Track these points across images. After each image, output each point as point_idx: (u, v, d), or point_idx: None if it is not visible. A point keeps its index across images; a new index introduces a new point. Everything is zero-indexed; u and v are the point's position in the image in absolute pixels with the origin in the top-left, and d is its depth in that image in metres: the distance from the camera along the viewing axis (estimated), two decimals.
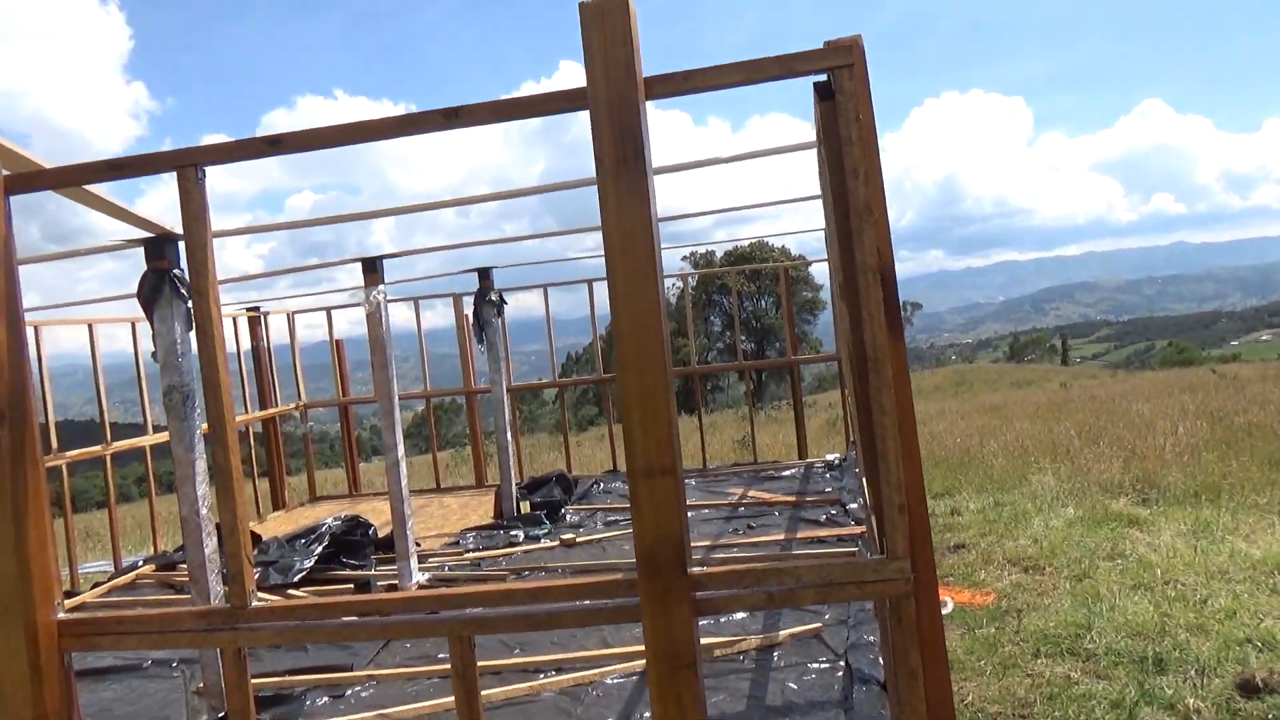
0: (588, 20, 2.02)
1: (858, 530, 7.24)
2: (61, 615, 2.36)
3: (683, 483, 2.10)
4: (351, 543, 7.78)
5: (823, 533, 7.37)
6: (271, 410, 10.93)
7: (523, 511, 8.94)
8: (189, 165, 2.28)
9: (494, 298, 8.69)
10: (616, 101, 2.02)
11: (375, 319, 6.55)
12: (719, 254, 43.70)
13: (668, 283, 11.78)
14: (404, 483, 6.71)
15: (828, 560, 2.14)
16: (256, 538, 8.50)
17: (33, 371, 2.35)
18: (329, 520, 8.09)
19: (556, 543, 7.88)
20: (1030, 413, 17.98)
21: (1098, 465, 10.23)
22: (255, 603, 2.31)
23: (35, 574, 2.31)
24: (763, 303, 45.63)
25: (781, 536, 7.41)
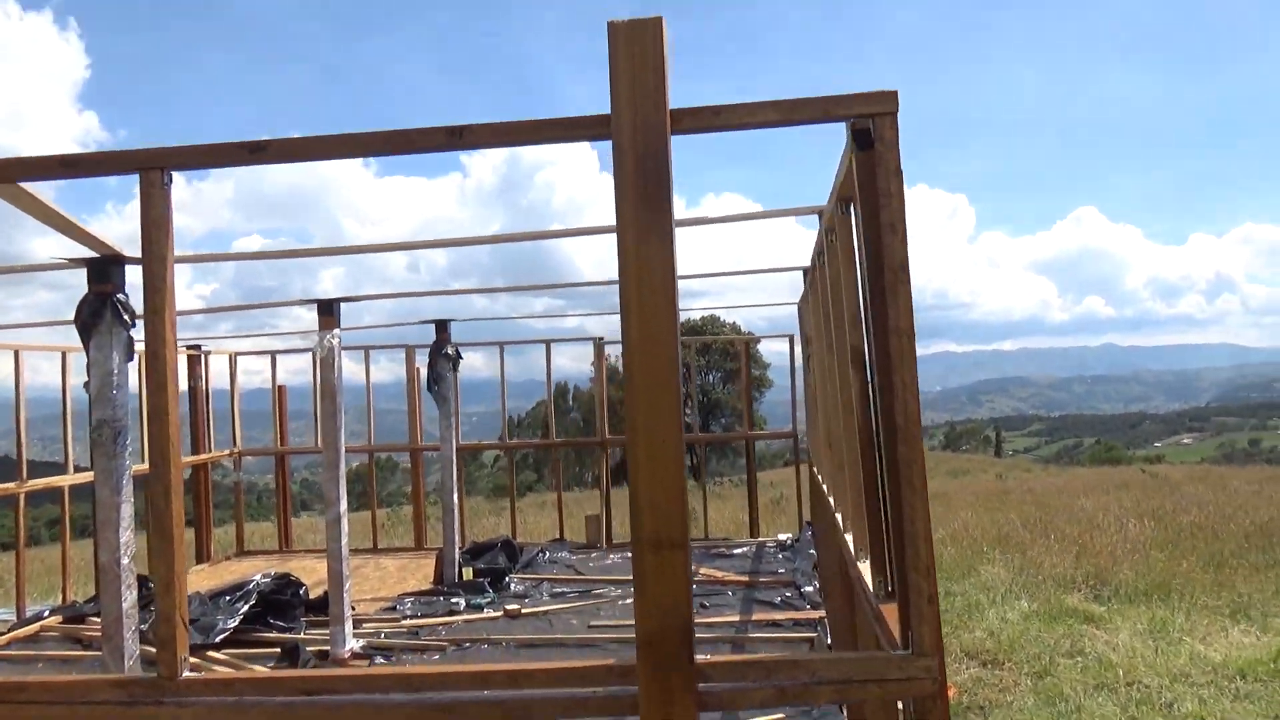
0: (617, 40, 1.85)
1: (814, 614, 6.99)
2: None
3: (690, 559, 1.86)
4: (280, 603, 7.30)
5: (779, 615, 7.10)
6: (204, 455, 10.39)
7: (465, 578, 8.52)
8: (155, 168, 2.03)
9: (450, 351, 8.41)
10: (642, 130, 1.84)
11: (328, 364, 6.23)
12: None
13: (613, 352, 11.62)
14: (345, 540, 6.32)
15: (844, 655, 1.90)
16: None
17: None
18: (257, 577, 7.60)
19: (500, 613, 7.48)
20: (971, 502, 18.01)
21: (1048, 558, 10.16)
22: (186, 672, 2.00)
23: None
24: (710, 378, 45.72)
25: (736, 618, 7.12)
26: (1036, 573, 9.59)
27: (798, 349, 10.38)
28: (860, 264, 2.48)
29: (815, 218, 4.23)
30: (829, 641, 6.22)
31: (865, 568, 2.84)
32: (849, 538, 3.33)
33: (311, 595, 7.79)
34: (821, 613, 6.93)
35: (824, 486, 5.50)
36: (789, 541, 10.07)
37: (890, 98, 1.90)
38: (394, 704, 1.96)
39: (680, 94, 1.99)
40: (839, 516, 3.93)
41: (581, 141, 1.97)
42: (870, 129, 1.94)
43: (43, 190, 3.07)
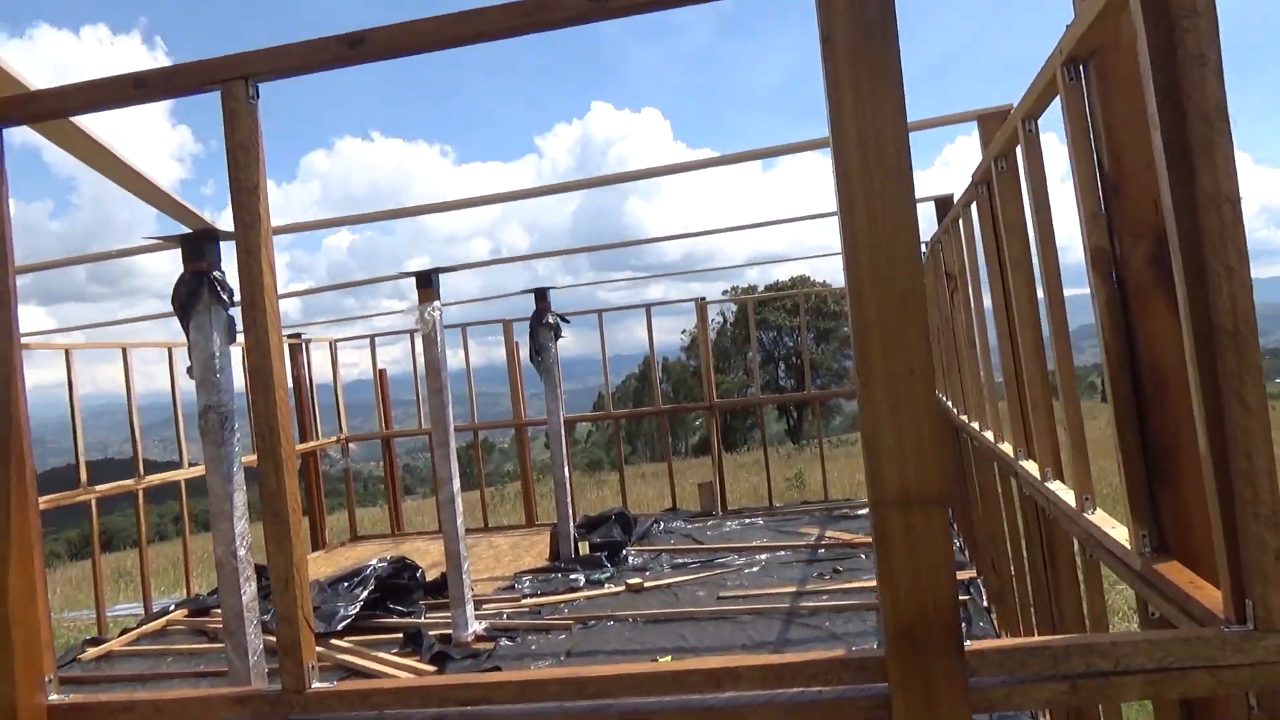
0: None
1: (962, 575, 6.46)
2: (53, 698, 1.72)
3: (949, 518, 1.41)
4: (398, 586, 7.12)
5: None
6: (312, 444, 10.35)
7: (581, 553, 8.24)
8: (238, 78, 1.66)
9: (551, 320, 8.08)
10: None
11: (430, 339, 5.95)
12: (760, 289, 43.10)
13: (711, 312, 11.09)
14: (459, 520, 6.06)
15: (1159, 635, 1.43)
16: None
17: (65, 399, 1.71)
18: (374, 562, 7.45)
19: (622, 588, 7.16)
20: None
21: None
22: (316, 684, 1.65)
23: (16, 639, 1.67)
24: (801, 338, 44.87)
25: (874, 583, 6.64)
26: None
27: None
28: (1098, 139, 1.98)
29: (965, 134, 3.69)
30: (986, 604, 5.70)
31: (1101, 518, 2.35)
32: (1058, 487, 2.83)
33: (428, 578, 7.62)
34: (972, 573, 6.39)
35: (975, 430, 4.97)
36: None
37: None
38: (571, 715, 1.58)
39: None
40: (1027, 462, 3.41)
41: None
42: None
43: (138, 164, 2.78)
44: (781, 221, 8.08)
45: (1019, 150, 2.52)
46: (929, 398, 1.38)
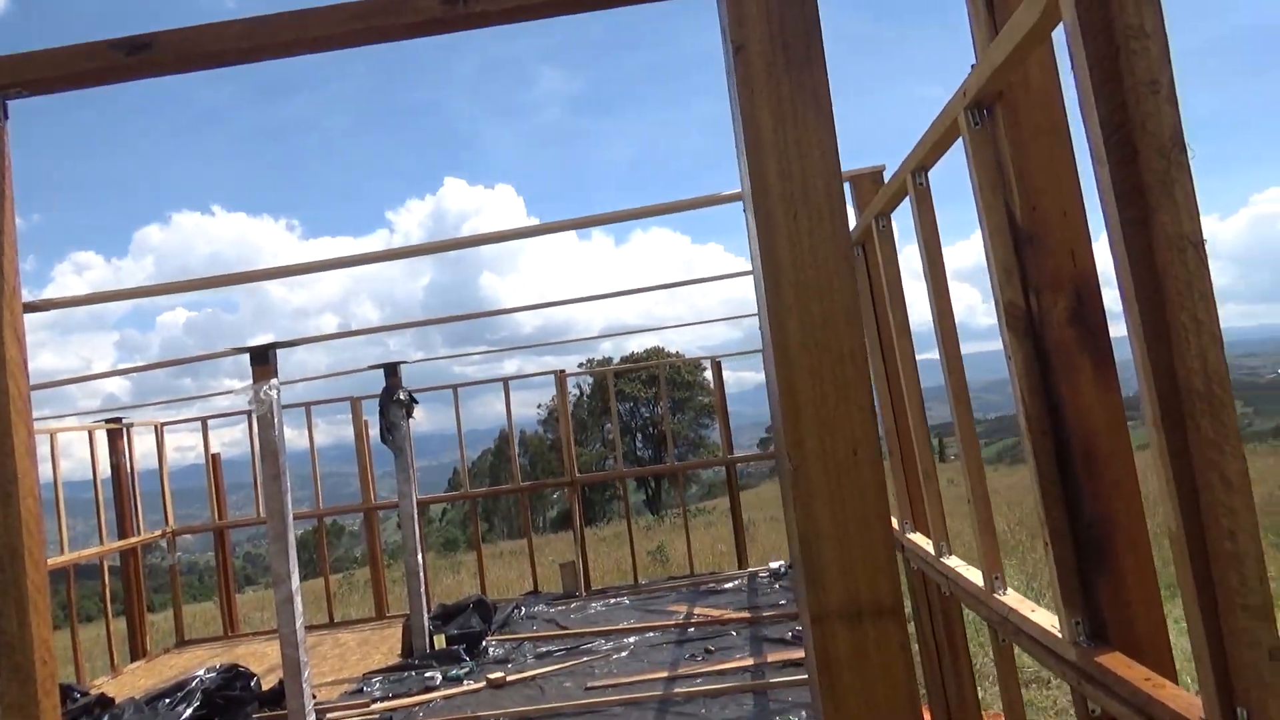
0: None
1: None
2: None
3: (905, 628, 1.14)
4: (229, 700, 6.34)
5: (795, 654, 6.38)
6: (133, 539, 9.31)
7: (437, 647, 7.62)
8: None
9: (402, 396, 7.57)
10: None
11: (266, 420, 5.38)
12: (615, 361, 43.24)
13: (568, 384, 10.79)
14: (299, 622, 5.43)
15: None
16: (108, 700, 6.91)
17: None
18: (201, 672, 6.63)
19: (483, 684, 6.61)
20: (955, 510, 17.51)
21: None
22: None
23: None
24: (659, 409, 45.13)
25: (750, 661, 6.38)
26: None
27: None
28: (1008, 187, 1.83)
29: None
30: None
31: (1016, 600, 2.15)
32: (954, 564, 2.65)
33: (264, 686, 6.84)
34: None
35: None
36: (782, 569, 9.37)
37: None
38: None
39: None
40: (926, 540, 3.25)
41: None
42: None
43: None
44: (634, 291, 7.95)
45: (909, 203, 2.38)
46: (878, 483, 1.12)
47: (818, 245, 1.14)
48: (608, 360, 43.40)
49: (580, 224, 6.04)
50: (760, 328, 1.22)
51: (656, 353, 39.21)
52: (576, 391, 42.55)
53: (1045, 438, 1.79)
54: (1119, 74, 1.29)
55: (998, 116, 1.81)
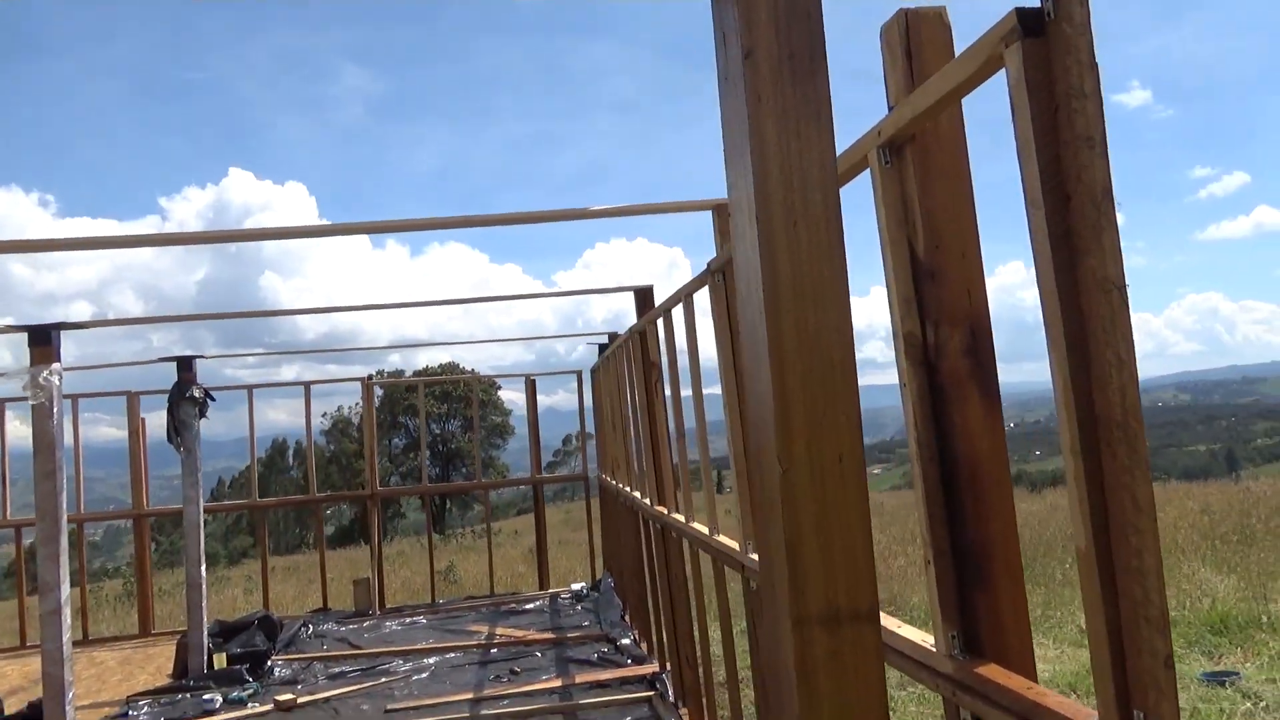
0: None
1: (644, 670, 6.36)
2: None
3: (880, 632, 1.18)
4: None
5: (605, 675, 6.40)
6: None
7: (216, 666, 7.04)
8: None
9: (197, 394, 6.99)
10: None
11: (43, 410, 4.80)
12: (408, 374, 42.01)
13: (348, 400, 10.39)
14: (66, 636, 4.86)
15: None
16: None
17: None
18: None
19: (269, 706, 6.17)
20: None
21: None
22: None
23: None
24: (449, 426, 44.20)
25: (558, 682, 6.33)
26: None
27: (586, 388, 9.83)
28: (913, 225, 1.94)
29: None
30: (674, 699, 5.60)
31: (894, 623, 2.26)
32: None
33: (7, 710, 6.06)
34: (653, 668, 6.30)
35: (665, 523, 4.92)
36: (584, 591, 9.39)
37: None
38: None
39: None
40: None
41: None
42: (1045, 7, 1.40)
43: None
44: (436, 303, 7.78)
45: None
46: (861, 492, 1.15)
47: (815, 256, 1.17)
48: (399, 372, 42.10)
49: (381, 228, 5.85)
50: (742, 336, 1.23)
51: (450, 368, 38.42)
52: (359, 403, 40.97)
53: (933, 463, 1.91)
54: (1057, 128, 1.41)
55: (907, 158, 1.92)
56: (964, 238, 1.91)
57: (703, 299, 3.81)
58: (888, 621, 2.24)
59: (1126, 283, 1.38)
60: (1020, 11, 1.42)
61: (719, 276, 3.45)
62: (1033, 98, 1.42)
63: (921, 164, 1.91)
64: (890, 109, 1.93)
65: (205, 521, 7.06)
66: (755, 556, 3.40)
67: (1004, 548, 1.88)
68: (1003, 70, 1.49)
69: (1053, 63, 1.41)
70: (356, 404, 39.93)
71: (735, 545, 3.64)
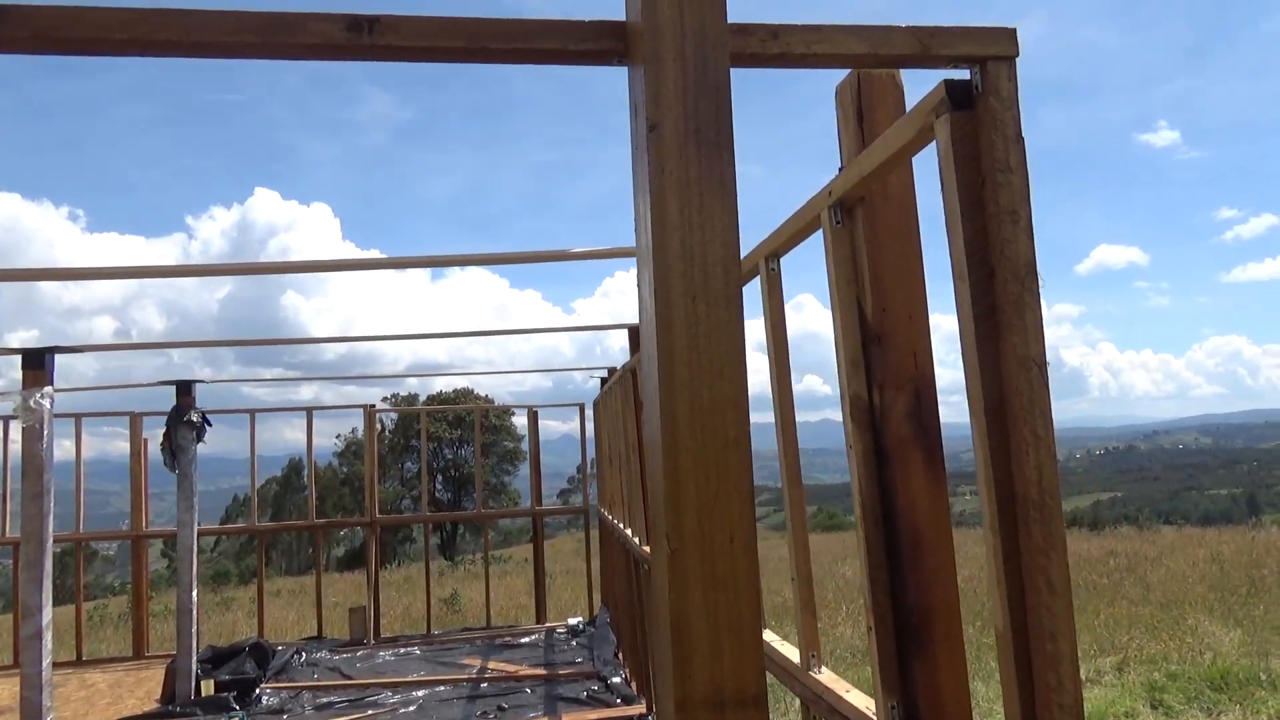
0: None
1: (632, 710, 6.29)
2: None
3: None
4: None
5: (591, 715, 6.32)
6: None
7: (204, 693, 7.01)
8: None
9: (194, 418, 7.03)
10: (697, 38, 1.17)
11: (33, 433, 4.83)
12: (422, 398, 42.17)
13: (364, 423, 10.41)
14: (47, 661, 4.85)
15: None
16: None
17: None
18: None
19: None
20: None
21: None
22: None
23: None
24: (463, 451, 44.17)
25: None
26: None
27: (589, 418, 9.81)
28: (862, 287, 1.93)
29: None
30: None
31: (831, 679, 2.22)
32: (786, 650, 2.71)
33: None
34: (640, 709, 6.23)
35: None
36: (580, 626, 9.31)
37: (1010, 38, 1.37)
38: None
39: None
40: None
41: (591, 65, 1.26)
42: (974, 80, 1.39)
43: None
44: (455, 334, 7.81)
45: (758, 286, 2.46)
46: (752, 573, 1.13)
47: (714, 331, 1.15)
48: (414, 397, 42.26)
49: (404, 263, 5.89)
50: (646, 408, 1.22)
51: (466, 394, 38.51)
52: (378, 426, 41.11)
53: (877, 527, 1.88)
54: (983, 201, 1.39)
55: (858, 218, 1.91)
56: (912, 300, 1.90)
57: None
58: (835, 684, 2.20)
59: (1047, 360, 1.35)
60: (948, 84, 1.41)
61: None
62: (959, 170, 1.41)
63: (871, 225, 1.90)
64: (840, 169, 1.93)
65: (218, 540, 7.09)
66: None
67: (945, 616, 1.85)
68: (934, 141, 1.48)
69: (979, 136, 1.40)
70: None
71: None
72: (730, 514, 1.14)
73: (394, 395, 41.64)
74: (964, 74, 1.42)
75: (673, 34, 1.17)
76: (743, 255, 2.98)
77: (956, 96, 1.41)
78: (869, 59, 1.34)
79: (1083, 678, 7.49)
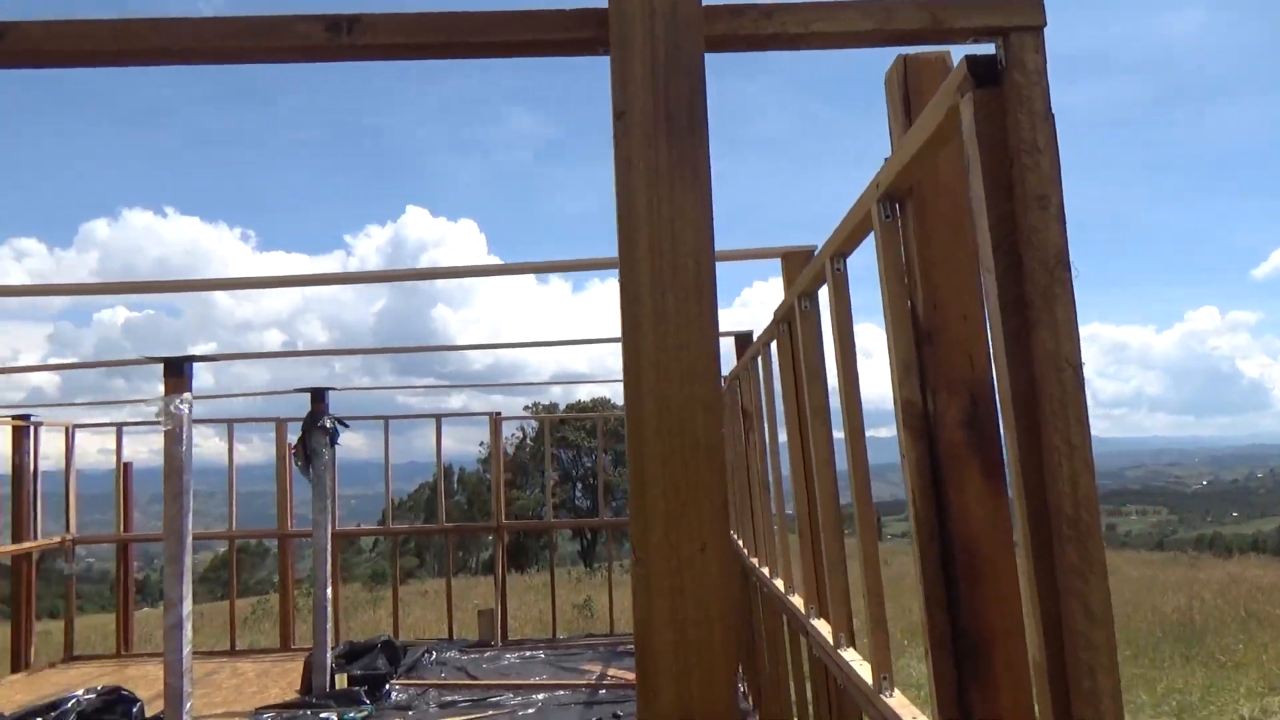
0: None
1: None
2: None
3: None
4: None
5: None
6: (28, 544, 8.90)
7: (338, 686, 7.34)
8: None
9: (328, 424, 7.38)
10: (665, 20, 1.12)
11: (173, 435, 5.19)
12: (561, 408, 43.00)
13: (506, 430, 10.62)
14: (186, 649, 5.18)
15: None
16: None
17: None
18: (79, 693, 6.29)
19: None
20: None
21: None
22: None
23: None
24: (604, 458, 44.71)
25: None
26: None
27: None
28: (913, 284, 1.80)
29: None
30: None
31: (901, 703, 2.09)
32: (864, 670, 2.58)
33: (149, 712, 6.52)
34: None
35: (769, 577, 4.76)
36: None
37: (1032, 6, 1.25)
38: None
39: None
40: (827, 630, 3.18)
41: (574, 55, 1.23)
42: (999, 54, 1.27)
43: None
44: (582, 341, 7.90)
45: (825, 289, 2.35)
46: (724, 586, 1.06)
47: (684, 327, 1.09)
48: (554, 406, 43.16)
49: (531, 269, 6.00)
50: (625, 409, 1.16)
51: (602, 403, 39.00)
52: (519, 434, 42.10)
53: (933, 543, 1.74)
54: (1010, 185, 1.27)
55: (908, 211, 1.79)
56: (966, 299, 1.75)
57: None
58: (903, 709, 2.06)
59: (1081, 360, 1.22)
60: (971, 59, 1.29)
61: (783, 326, 3.34)
62: (984, 152, 1.29)
63: (920, 216, 1.77)
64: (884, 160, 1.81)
65: (376, 541, 7.43)
66: (816, 623, 3.23)
67: (1005, 640, 1.69)
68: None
69: (1006, 114, 1.27)
70: (510, 435, 41.14)
71: (802, 606, 3.47)
72: (701, 523, 1.07)
73: (535, 404, 42.63)
74: (990, 49, 1.30)
75: (642, 15, 1.12)
76: (811, 253, 2.84)
77: (980, 72, 1.29)
78: (875, 36, 1.24)
79: (1247, 718, 6.81)
